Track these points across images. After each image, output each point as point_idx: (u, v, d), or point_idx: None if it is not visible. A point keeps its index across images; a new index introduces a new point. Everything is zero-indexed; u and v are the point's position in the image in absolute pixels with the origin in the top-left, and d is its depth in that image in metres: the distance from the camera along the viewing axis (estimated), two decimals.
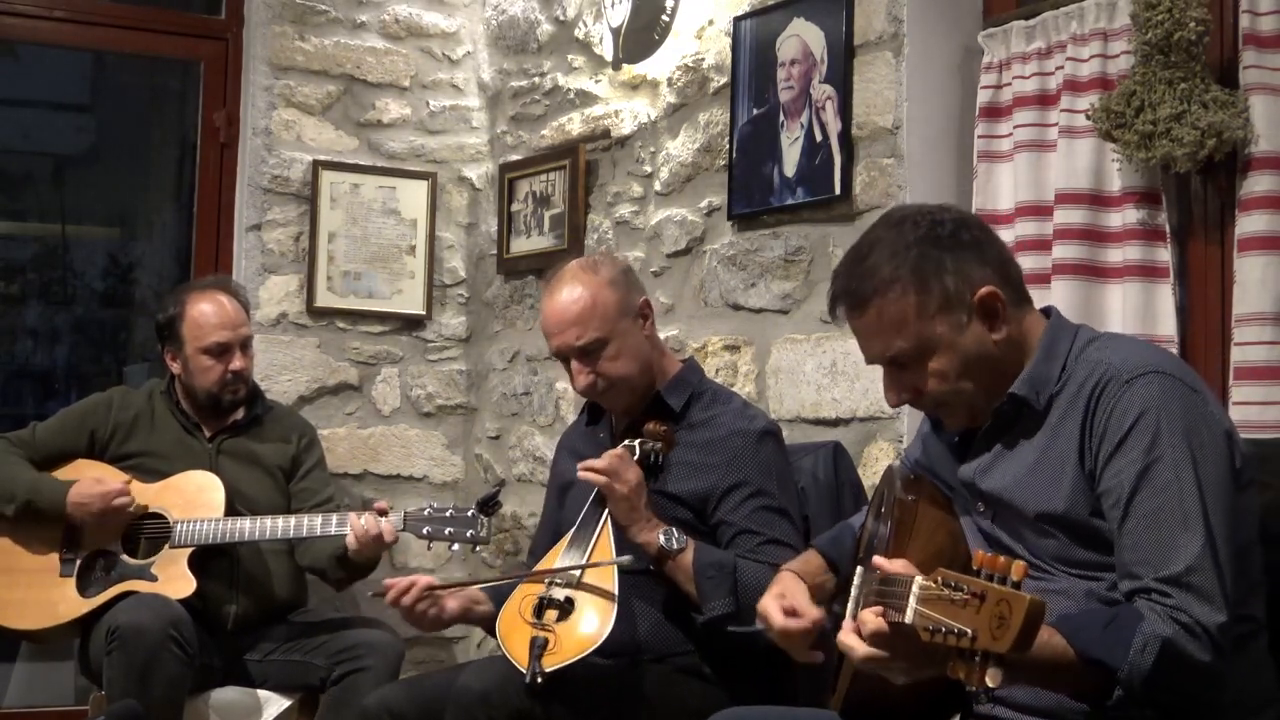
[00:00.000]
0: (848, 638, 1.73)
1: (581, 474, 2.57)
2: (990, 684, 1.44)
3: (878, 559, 1.80)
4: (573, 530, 2.60)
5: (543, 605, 2.44)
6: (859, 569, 2.01)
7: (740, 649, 2.59)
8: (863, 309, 1.93)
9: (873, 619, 1.68)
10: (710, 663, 2.61)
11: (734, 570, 2.51)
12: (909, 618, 1.57)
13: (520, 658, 2.35)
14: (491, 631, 2.65)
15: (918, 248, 1.91)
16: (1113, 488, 1.78)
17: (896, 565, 1.74)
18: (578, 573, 2.49)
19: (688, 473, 2.65)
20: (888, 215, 2.02)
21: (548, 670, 2.31)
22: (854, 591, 2.01)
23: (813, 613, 2.03)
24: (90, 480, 3.27)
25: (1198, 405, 1.80)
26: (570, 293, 2.68)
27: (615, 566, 2.49)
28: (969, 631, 1.46)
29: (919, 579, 1.58)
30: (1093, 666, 1.67)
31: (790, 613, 2.05)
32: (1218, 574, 1.71)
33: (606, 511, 2.56)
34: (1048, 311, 2.01)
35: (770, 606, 2.07)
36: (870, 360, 1.98)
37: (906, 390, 1.95)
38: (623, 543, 2.56)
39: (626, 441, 2.66)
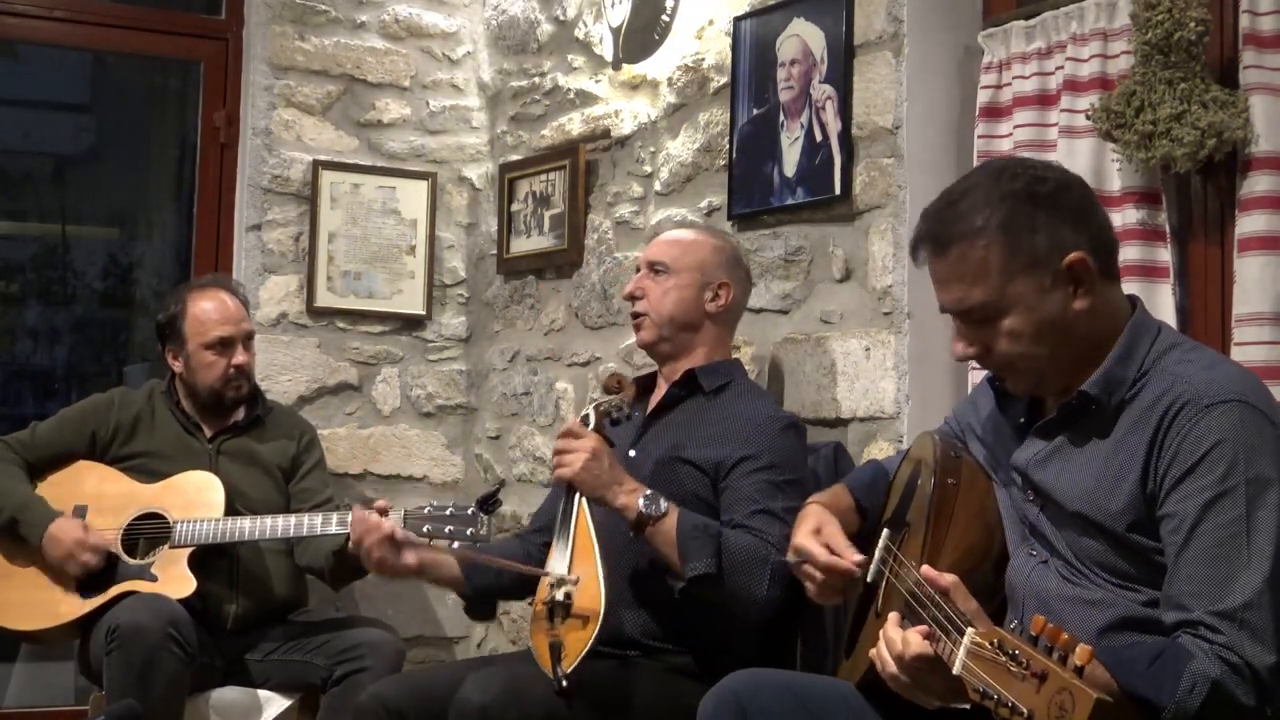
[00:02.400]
0: (881, 649, 1.71)
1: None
2: None
3: (926, 570, 1.75)
4: (558, 523, 2.62)
5: (552, 610, 2.46)
6: (885, 530, 1.98)
7: (732, 648, 2.63)
8: (945, 252, 1.87)
9: (918, 642, 1.65)
10: (705, 662, 2.62)
11: (718, 534, 2.53)
12: (957, 669, 1.53)
13: (547, 664, 2.40)
14: (460, 594, 2.83)
15: (1012, 201, 1.85)
16: (1175, 513, 1.72)
17: (946, 580, 1.70)
18: (567, 574, 2.49)
19: (707, 441, 2.72)
20: (989, 162, 1.95)
21: (568, 672, 2.35)
22: (879, 554, 1.98)
23: (853, 555, 1.99)
24: (76, 524, 3.24)
25: (1277, 439, 1.73)
26: (686, 228, 3.11)
27: (595, 545, 2.50)
28: (1024, 710, 1.41)
29: (971, 632, 1.54)
30: (1136, 703, 1.62)
31: (829, 551, 2.02)
32: (1275, 614, 1.65)
33: (577, 495, 2.58)
34: (1133, 301, 1.95)
35: (809, 542, 2.03)
36: (943, 308, 1.92)
37: (975, 345, 1.88)
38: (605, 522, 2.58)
39: (584, 411, 2.73)
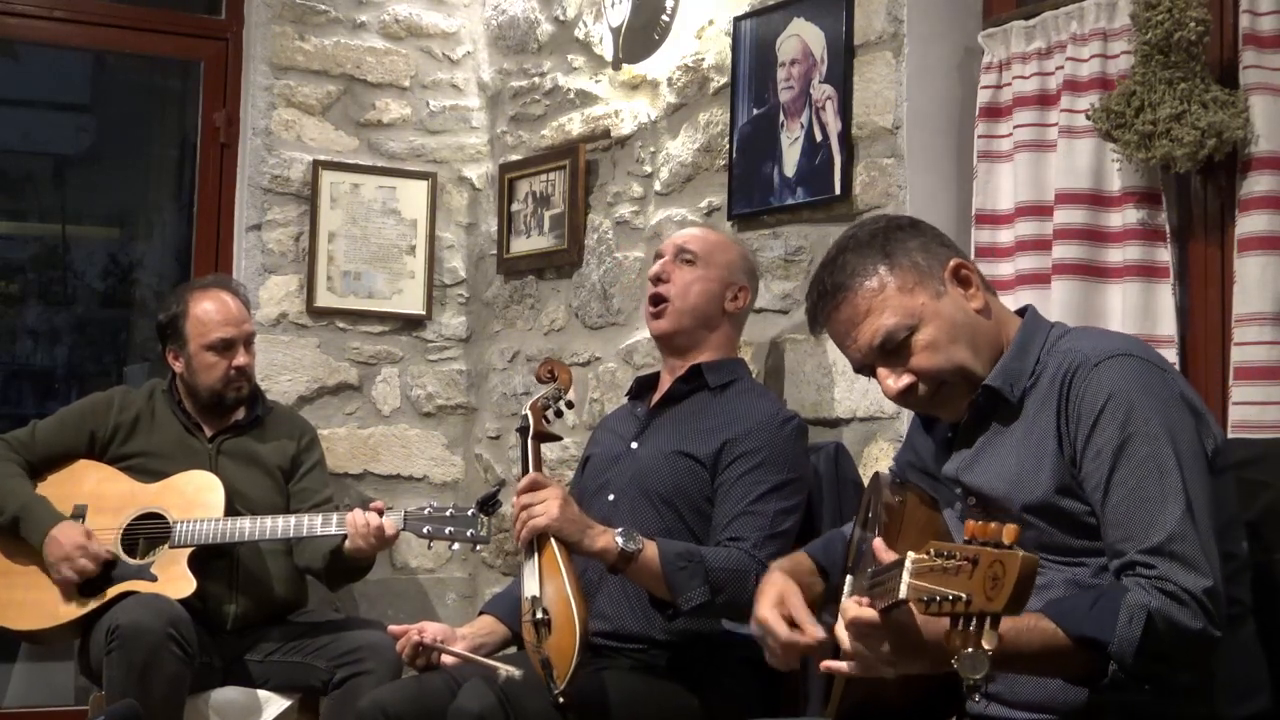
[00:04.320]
0: (839, 630, 1.75)
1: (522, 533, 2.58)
2: (987, 646, 1.44)
3: (878, 543, 1.80)
4: (523, 552, 2.61)
5: (536, 628, 2.47)
6: (848, 578, 2.00)
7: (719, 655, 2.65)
8: (842, 300, 1.97)
9: (855, 607, 1.70)
10: (694, 667, 2.63)
11: (702, 559, 2.54)
12: (903, 592, 1.57)
13: (543, 680, 2.42)
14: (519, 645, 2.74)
15: (882, 236, 1.99)
16: (1092, 470, 1.81)
17: (893, 555, 1.74)
18: (538, 596, 2.49)
19: (709, 434, 2.73)
20: (843, 232, 2.09)
21: (562, 686, 2.38)
22: (844, 600, 2.01)
23: (815, 632, 2.02)
24: (78, 529, 3.23)
25: (1166, 383, 1.84)
26: (709, 228, 3.12)
27: (559, 560, 2.51)
28: (963, 595, 1.46)
29: (911, 553, 1.59)
30: (1084, 646, 1.69)
31: (790, 623, 2.04)
32: (1200, 541, 1.73)
33: (534, 546, 2.56)
34: (1023, 313, 2.04)
35: (771, 616, 2.05)
36: (860, 360, 1.99)
37: (904, 375, 1.95)
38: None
39: (523, 420, 2.74)
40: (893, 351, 1.95)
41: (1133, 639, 1.67)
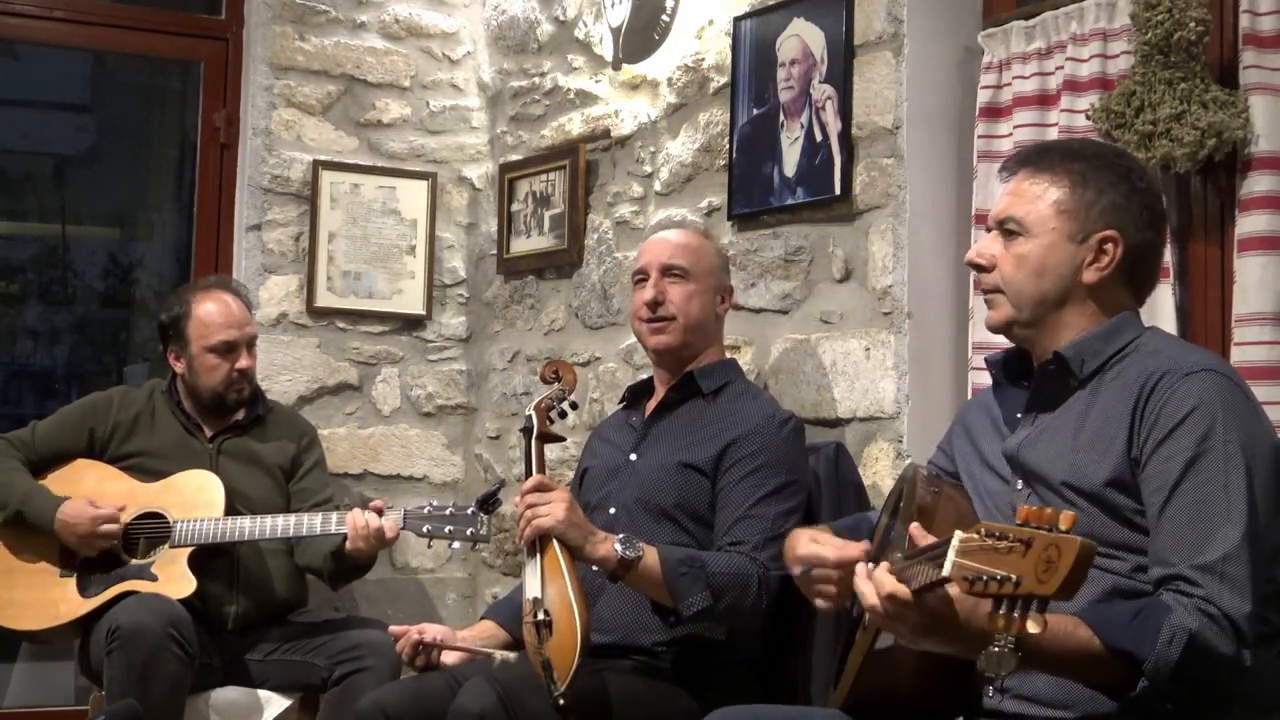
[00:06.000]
0: (862, 583, 1.74)
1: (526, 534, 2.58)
2: (1034, 629, 1.42)
3: (914, 527, 1.79)
4: (525, 552, 2.61)
5: (537, 630, 2.47)
6: (869, 565, 2.00)
7: (715, 655, 2.65)
8: (1026, 172, 2.02)
9: (891, 581, 1.69)
10: (689, 668, 2.63)
11: (703, 564, 2.54)
12: (947, 569, 1.55)
13: (544, 682, 2.42)
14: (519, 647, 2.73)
15: (1103, 164, 2.00)
16: (1157, 474, 1.80)
17: (931, 537, 1.73)
18: (539, 597, 2.49)
19: (707, 442, 2.73)
20: (1106, 140, 2.17)
21: (562, 689, 2.38)
22: (878, 570, 1.99)
23: (858, 545, 2.03)
24: (83, 501, 3.24)
25: (1252, 409, 1.84)
26: (685, 231, 3.01)
27: (562, 562, 2.50)
28: (1013, 577, 1.43)
29: (959, 532, 1.56)
30: (1119, 657, 1.69)
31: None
32: (1251, 567, 1.73)
33: (537, 547, 2.56)
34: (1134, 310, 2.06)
35: (813, 549, 2.06)
36: (991, 218, 2.06)
37: (985, 256, 2.03)
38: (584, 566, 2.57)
39: (527, 421, 2.73)
40: (1005, 233, 2.01)
41: (1170, 659, 1.67)
